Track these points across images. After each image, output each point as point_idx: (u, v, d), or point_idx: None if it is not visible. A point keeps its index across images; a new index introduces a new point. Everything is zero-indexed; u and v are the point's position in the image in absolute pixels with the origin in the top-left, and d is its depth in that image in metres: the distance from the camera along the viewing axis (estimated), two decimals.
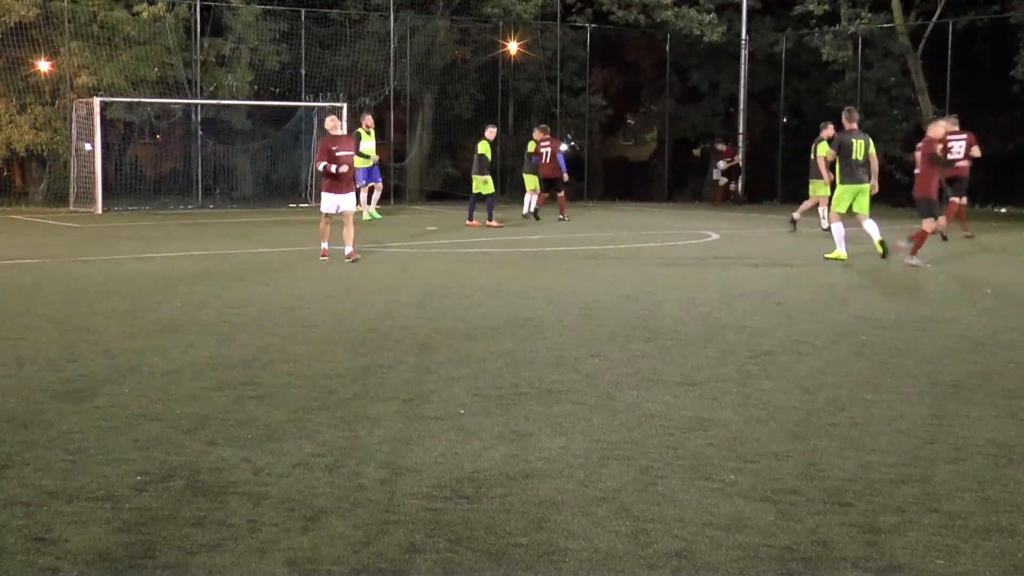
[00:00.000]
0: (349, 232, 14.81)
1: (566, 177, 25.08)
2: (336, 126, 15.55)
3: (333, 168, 14.78)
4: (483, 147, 23.18)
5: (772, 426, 5.88)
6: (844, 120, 15.83)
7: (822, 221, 20.08)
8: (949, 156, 19.04)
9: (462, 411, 6.13)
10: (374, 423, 5.85)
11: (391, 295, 11.31)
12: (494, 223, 21.98)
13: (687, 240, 19.32)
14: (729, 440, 5.58)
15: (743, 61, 36.31)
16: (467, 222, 22.21)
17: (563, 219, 23.92)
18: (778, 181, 36.11)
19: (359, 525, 4.27)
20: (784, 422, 5.97)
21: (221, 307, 10.32)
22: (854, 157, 15.23)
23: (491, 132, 23.79)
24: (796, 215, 21.15)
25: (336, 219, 15.13)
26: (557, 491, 4.71)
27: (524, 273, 13.61)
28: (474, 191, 22.86)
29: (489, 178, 22.78)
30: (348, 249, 14.69)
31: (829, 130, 20.41)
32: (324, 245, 14.99)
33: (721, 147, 35.04)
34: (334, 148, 14.90)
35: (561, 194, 24.59)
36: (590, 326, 9.28)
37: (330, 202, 14.96)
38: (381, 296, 11.24)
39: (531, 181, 24.50)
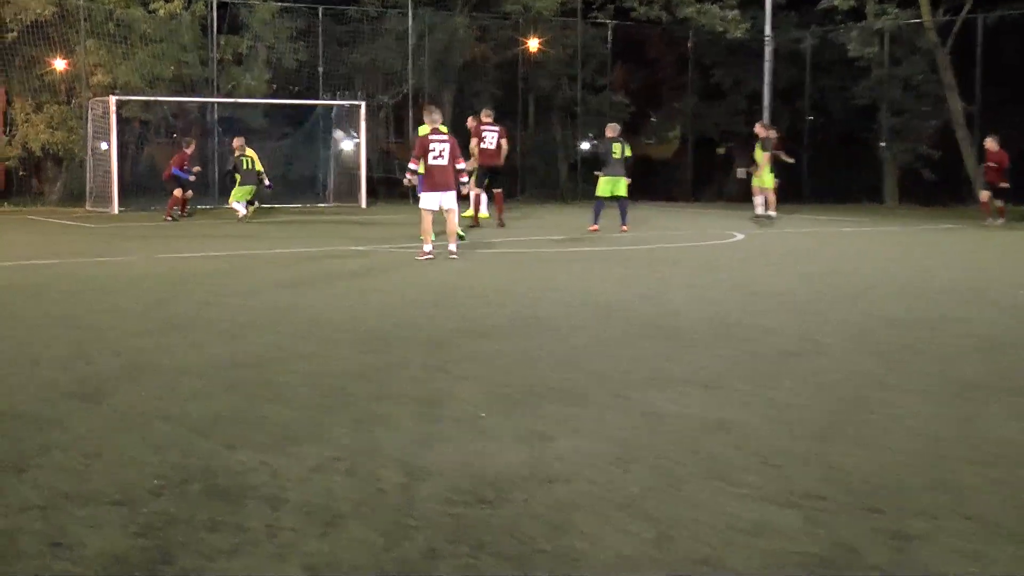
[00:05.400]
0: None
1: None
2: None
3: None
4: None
5: (795, 428, 5.85)
6: None
7: None
8: (483, 145, 21.60)
9: (482, 414, 6.10)
10: (391, 425, 5.84)
11: (404, 294, 11.35)
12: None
13: (711, 241, 19.28)
14: (752, 443, 5.55)
15: (767, 58, 36.21)
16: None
17: (172, 218, 24.61)
18: (804, 180, 36.00)
19: (378, 530, 4.25)
20: (807, 424, 5.93)
21: (235, 306, 10.36)
22: None
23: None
24: None
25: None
26: (578, 495, 4.69)
27: (541, 273, 13.63)
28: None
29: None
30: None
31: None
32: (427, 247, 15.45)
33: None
34: None
35: (182, 193, 25.17)
36: (608, 326, 9.27)
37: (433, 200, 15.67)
38: (394, 295, 11.28)
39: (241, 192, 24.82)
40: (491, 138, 21.64)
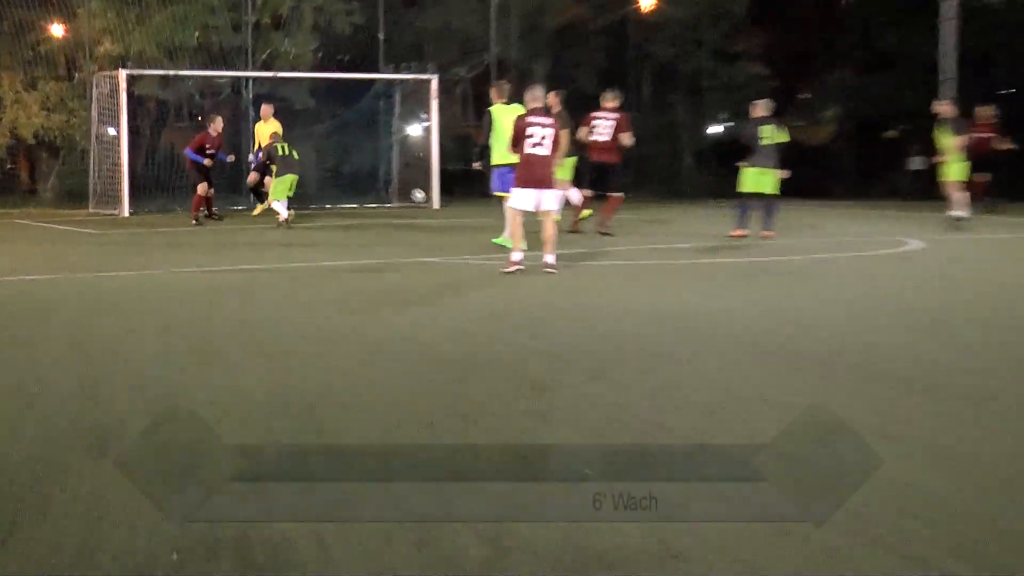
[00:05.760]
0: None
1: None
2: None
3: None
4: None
5: (996, 495, 5.68)
6: None
7: None
8: (593, 136, 21.41)
9: (587, 471, 6.04)
10: (472, 485, 5.79)
11: (488, 318, 11.38)
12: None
13: (877, 250, 19.06)
14: (940, 512, 5.39)
15: (948, 16, 35.67)
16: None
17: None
18: (999, 172, 35.41)
19: None
20: (993, 483, 5.77)
21: (278, 333, 10.43)
22: None
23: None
24: None
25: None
26: None
27: (663, 292, 13.56)
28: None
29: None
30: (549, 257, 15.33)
31: None
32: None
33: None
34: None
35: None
36: (748, 360, 9.15)
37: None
38: (475, 319, 11.30)
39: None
40: (604, 128, 21.38)
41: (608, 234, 21.15)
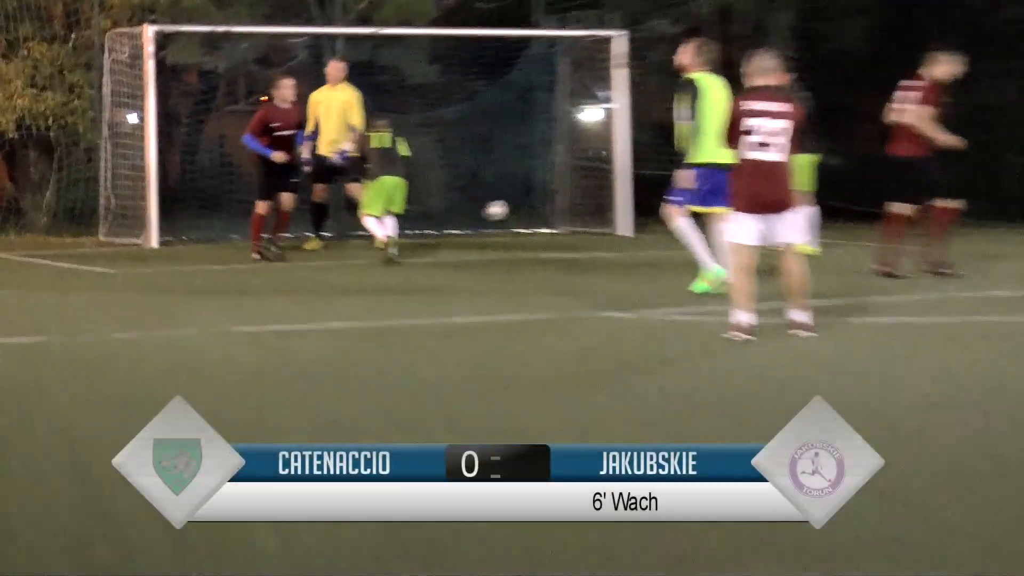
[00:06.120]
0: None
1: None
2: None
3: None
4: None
5: None
6: None
7: None
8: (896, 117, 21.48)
9: None
10: None
11: (721, 410, 11.22)
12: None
13: None
14: None
15: None
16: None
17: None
18: None
19: None
20: None
21: (382, 428, 10.24)
22: None
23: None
24: None
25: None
26: None
27: (994, 366, 13.30)
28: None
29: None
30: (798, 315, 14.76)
31: None
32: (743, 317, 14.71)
33: None
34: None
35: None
36: None
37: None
38: (701, 409, 11.16)
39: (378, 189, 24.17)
40: (905, 104, 21.06)
41: (947, 273, 20.75)
